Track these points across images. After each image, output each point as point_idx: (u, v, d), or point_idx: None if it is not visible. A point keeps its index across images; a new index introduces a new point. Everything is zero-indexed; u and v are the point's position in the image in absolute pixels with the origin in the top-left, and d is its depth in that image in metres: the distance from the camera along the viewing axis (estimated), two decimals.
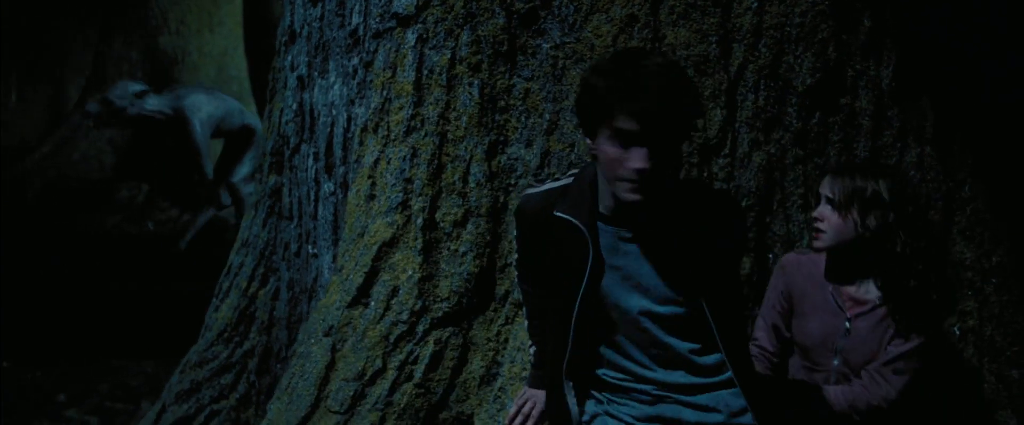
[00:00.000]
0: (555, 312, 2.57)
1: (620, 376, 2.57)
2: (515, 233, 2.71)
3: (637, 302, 2.47)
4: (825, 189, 2.88)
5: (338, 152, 3.77)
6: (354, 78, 3.65)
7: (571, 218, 2.43)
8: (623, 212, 2.41)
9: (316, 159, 3.94)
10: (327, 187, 3.88)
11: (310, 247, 4.04)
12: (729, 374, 2.51)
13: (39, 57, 11.33)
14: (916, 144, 3.44)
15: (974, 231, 3.48)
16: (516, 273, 2.89)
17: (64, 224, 8.35)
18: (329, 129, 3.83)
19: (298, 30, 4.03)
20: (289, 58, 4.14)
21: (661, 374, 2.53)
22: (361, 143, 3.55)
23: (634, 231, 2.43)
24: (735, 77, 3.24)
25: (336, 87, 3.77)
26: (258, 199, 4.42)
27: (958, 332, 3.44)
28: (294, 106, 4.10)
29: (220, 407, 4.38)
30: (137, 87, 7.22)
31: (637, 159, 2.20)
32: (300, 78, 4.03)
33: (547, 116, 3.29)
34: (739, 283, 3.04)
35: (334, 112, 3.79)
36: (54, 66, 11.12)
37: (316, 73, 3.91)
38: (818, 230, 2.88)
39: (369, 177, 3.44)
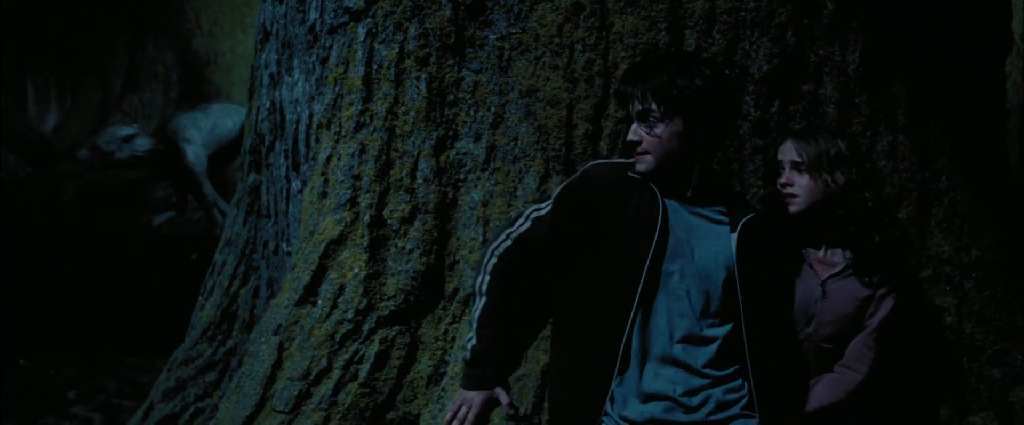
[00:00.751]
0: (594, 305, 2.56)
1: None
2: (551, 203, 2.62)
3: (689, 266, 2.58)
4: (789, 155, 2.82)
5: (302, 150, 3.71)
6: (313, 74, 3.58)
7: (641, 178, 2.57)
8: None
9: (286, 157, 3.88)
10: (296, 184, 3.81)
11: (285, 245, 3.98)
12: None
13: (86, 60, 11.51)
14: (888, 132, 3.25)
15: (952, 223, 3.28)
16: (497, 256, 2.66)
17: (97, 223, 8.45)
18: (295, 126, 3.77)
19: (269, 28, 3.98)
20: (263, 56, 4.08)
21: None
22: (317, 140, 3.48)
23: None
24: (703, 58, 3.07)
25: (300, 84, 3.70)
26: (239, 197, 4.38)
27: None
28: (268, 104, 4.04)
29: (204, 405, 4.34)
30: (124, 131, 7.25)
31: (630, 132, 2.53)
32: (271, 76, 3.97)
33: (493, 109, 3.17)
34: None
35: (299, 109, 3.72)
36: (100, 69, 11.29)
37: (284, 70, 3.84)
38: (790, 195, 2.82)
39: (322, 174, 3.37)
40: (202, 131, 7.27)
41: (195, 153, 7.14)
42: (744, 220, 2.59)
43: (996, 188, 3.40)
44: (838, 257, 2.85)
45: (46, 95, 12.54)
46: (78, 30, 11.46)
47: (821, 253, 2.86)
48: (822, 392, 2.80)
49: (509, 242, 2.65)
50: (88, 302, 6.97)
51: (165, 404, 4.39)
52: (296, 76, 3.73)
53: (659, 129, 2.48)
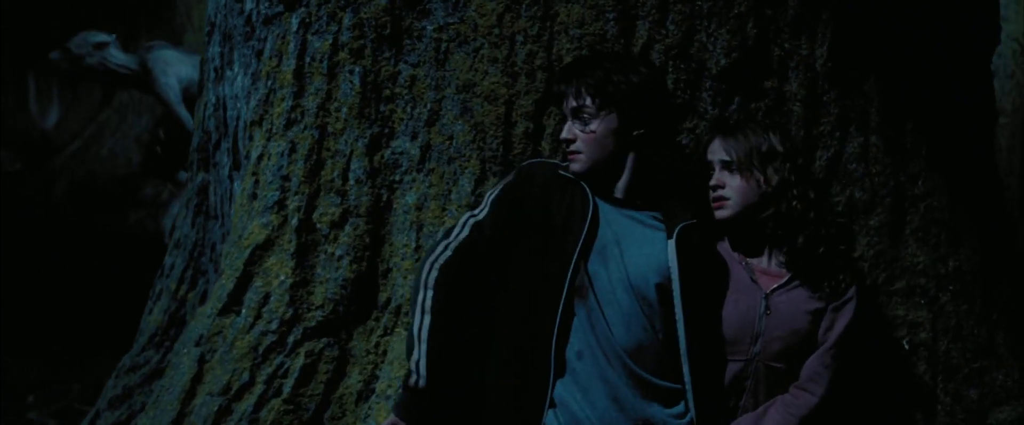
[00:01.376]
0: (528, 307, 2.46)
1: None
2: (489, 206, 2.52)
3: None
4: (718, 154, 2.60)
5: (242, 148, 3.44)
6: (250, 68, 3.32)
7: (572, 176, 2.49)
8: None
9: (229, 155, 3.62)
10: (238, 185, 3.55)
11: None
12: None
13: None
14: (859, 133, 2.97)
15: (928, 232, 2.99)
16: (438, 269, 2.48)
17: (88, 220, 8.23)
18: (235, 123, 3.50)
19: (214, 19, 3.71)
20: (210, 49, 3.82)
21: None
22: (250, 138, 3.22)
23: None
24: (639, 57, 2.79)
25: (239, 79, 3.44)
26: (188, 197, 4.12)
27: (908, 346, 2.95)
28: (213, 100, 3.78)
29: None
30: (97, 38, 6.84)
31: (564, 130, 2.48)
32: (215, 70, 3.71)
33: (429, 105, 2.90)
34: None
35: (239, 105, 3.46)
36: None
37: (226, 64, 3.58)
38: (721, 199, 2.59)
39: (253, 174, 3.11)
40: (180, 66, 6.85)
41: (168, 83, 6.73)
42: (681, 226, 2.46)
43: (977, 193, 3.11)
44: (784, 265, 2.61)
45: (48, 92, 12.37)
46: (79, 28, 11.25)
47: (763, 262, 2.61)
48: (775, 417, 2.52)
49: (449, 253, 2.48)
50: (68, 300, 6.76)
51: (111, 412, 4.15)
52: (236, 70, 3.47)
53: (593, 125, 2.43)
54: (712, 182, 2.59)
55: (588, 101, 2.42)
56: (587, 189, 2.48)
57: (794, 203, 2.53)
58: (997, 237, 3.18)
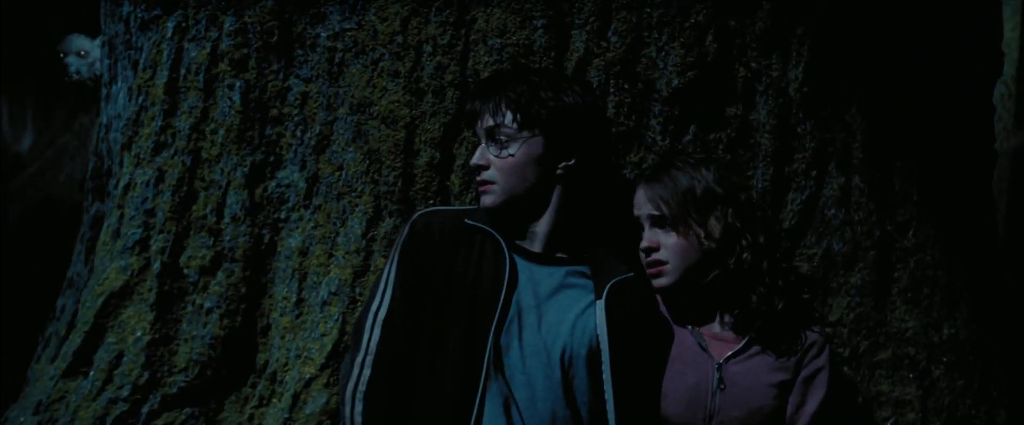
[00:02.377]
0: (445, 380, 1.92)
1: None
2: (393, 275, 1.97)
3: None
4: (644, 208, 2.06)
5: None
6: (128, 82, 2.75)
7: (486, 226, 1.97)
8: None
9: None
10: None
11: None
12: None
13: (61, 81, 10.74)
14: (839, 172, 2.41)
15: (919, 292, 2.45)
16: (362, 399, 1.93)
17: (44, 245, 7.63)
18: (119, 146, 2.93)
19: (103, 27, 3.15)
20: (104, 62, 3.26)
21: None
22: (121, 164, 2.64)
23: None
24: (573, 75, 2.24)
25: (122, 94, 2.86)
26: (82, 232, 3.52)
27: None
28: (104, 120, 3.20)
29: None
30: (81, 44, 6.22)
31: (475, 155, 1.98)
32: (105, 86, 3.14)
33: (318, 128, 2.33)
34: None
35: (120, 125, 2.88)
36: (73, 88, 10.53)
37: (112, 78, 3.01)
38: (657, 264, 2.05)
39: (119, 207, 2.55)
40: None
41: None
42: (614, 282, 1.97)
43: (976, 247, 2.55)
44: (739, 329, 2.11)
45: (22, 116, 11.77)
46: (55, 51, 10.73)
47: (715, 326, 2.09)
48: None
49: (368, 371, 1.94)
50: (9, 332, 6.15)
51: None
52: (119, 84, 2.90)
53: (513, 148, 1.95)
54: (643, 244, 2.04)
55: (508, 118, 1.94)
56: (501, 241, 1.97)
57: (744, 255, 2.01)
58: (997, 300, 2.62)
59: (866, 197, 2.42)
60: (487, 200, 1.97)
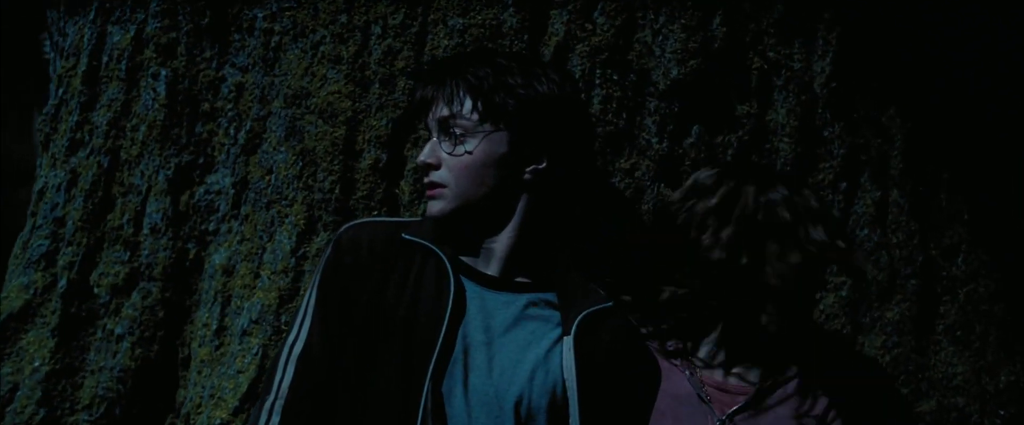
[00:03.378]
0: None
1: None
2: (313, 301, 1.59)
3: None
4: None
5: None
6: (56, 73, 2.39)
7: (426, 242, 1.60)
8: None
9: None
10: None
11: None
12: None
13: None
14: (874, 185, 2.00)
15: (970, 331, 2.04)
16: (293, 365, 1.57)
17: None
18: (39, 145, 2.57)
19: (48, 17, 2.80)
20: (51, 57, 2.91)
21: None
22: (41, 165, 2.27)
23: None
24: (551, 63, 1.83)
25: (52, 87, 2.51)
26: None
27: None
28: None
29: None
30: None
31: (422, 152, 1.60)
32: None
33: (249, 124, 1.93)
34: None
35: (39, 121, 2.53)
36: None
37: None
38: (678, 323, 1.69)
39: (32, 215, 2.16)
40: None
41: None
42: (585, 315, 1.58)
43: None
44: (747, 377, 1.71)
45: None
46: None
47: (717, 373, 1.70)
48: None
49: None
50: None
51: None
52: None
53: (470, 144, 1.57)
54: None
55: (467, 107, 1.55)
56: (445, 260, 1.57)
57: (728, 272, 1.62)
58: None
59: (906, 215, 2.00)
60: (435, 207, 1.57)
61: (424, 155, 1.58)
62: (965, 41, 2.08)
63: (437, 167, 1.57)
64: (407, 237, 1.57)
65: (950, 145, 2.05)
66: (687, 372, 1.68)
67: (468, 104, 1.55)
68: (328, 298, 1.56)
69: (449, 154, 1.56)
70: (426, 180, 1.59)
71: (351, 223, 1.63)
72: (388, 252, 1.56)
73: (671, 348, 1.70)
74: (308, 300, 1.59)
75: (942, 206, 2.03)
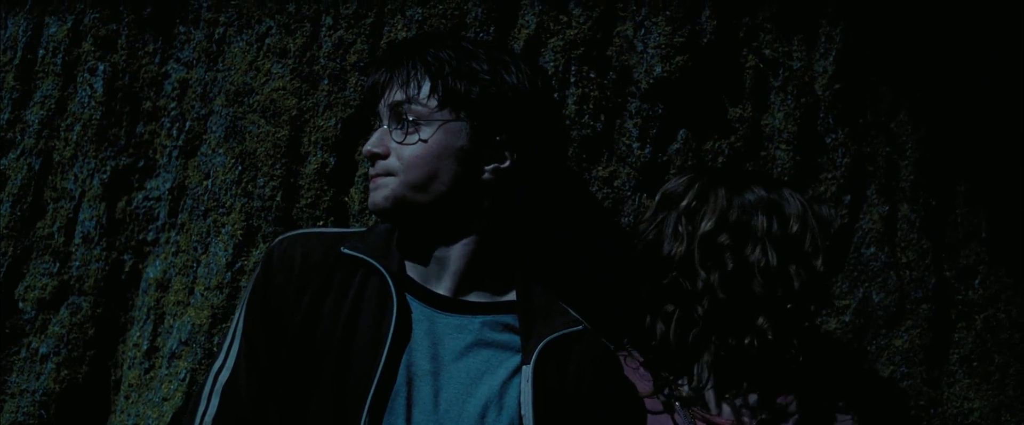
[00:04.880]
0: None
1: None
2: (241, 327, 1.41)
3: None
4: None
5: None
6: None
7: (367, 257, 1.39)
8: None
9: None
10: None
11: None
12: None
13: None
14: (881, 199, 1.79)
15: (989, 362, 1.85)
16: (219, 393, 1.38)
17: None
18: None
19: None
20: None
21: None
22: None
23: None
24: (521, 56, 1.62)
25: None
26: None
27: None
28: None
29: None
30: None
31: (370, 140, 1.41)
32: None
33: (189, 124, 1.73)
34: None
35: None
36: None
37: None
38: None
39: None
40: None
41: None
42: (549, 340, 1.37)
43: None
44: (744, 407, 1.53)
45: None
46: None
47: (710, 408, 1.50)
48: None
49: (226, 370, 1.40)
50: None
51: None
52: None
53: (425, 132, 1.38)
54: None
55: (424, 91, 1.37)
56: (388, 279, 1.36)
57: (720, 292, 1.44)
58: None
59: (917, 232, 1.79)
60: (377, 196, 1.37)
61: (371, 143, 1.38)
62: (987, 41, 1.87)
63: (384, 157, 1.37)
64: (346, 251, 1.36)
65: (967, 155, 1.84)
66: (678, 405, 1.46)
67: (426, 87, 1.36)
68: (256, 322, 1.36)
69: (399, 143, 1.36)
70: (371, 171, 1.38)
71: (284, 235, 1.42)
72: (324, 267, 1.35)
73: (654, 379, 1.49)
74: (236, 323, 1.39)
75: (958, 223, 1.83)
